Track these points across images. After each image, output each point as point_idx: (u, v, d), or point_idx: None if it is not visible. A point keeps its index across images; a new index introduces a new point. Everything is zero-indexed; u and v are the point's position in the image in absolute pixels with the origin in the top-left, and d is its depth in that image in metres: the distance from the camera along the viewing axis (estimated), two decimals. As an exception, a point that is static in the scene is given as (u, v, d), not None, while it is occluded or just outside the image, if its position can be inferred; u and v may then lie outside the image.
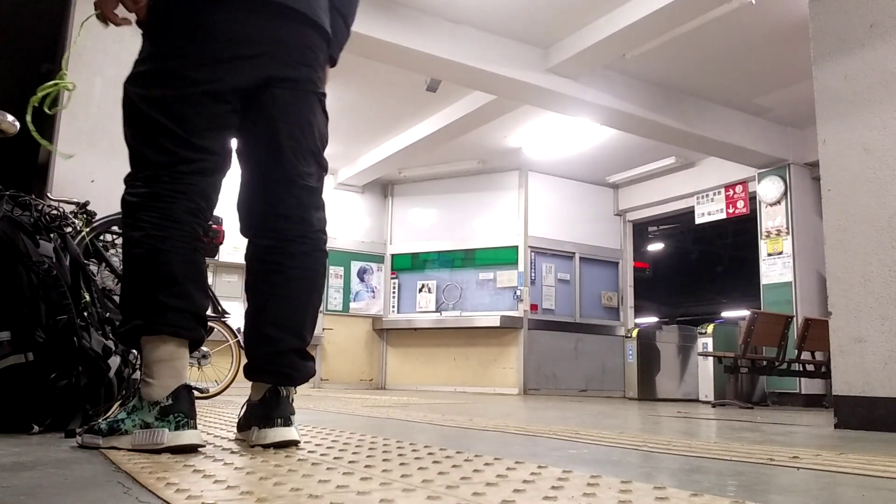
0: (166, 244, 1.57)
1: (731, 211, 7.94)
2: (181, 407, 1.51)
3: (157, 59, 1.64)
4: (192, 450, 1.49)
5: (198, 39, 1.63)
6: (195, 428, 1.54)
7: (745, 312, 6.89)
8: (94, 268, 3.39)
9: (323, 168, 1.82)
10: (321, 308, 1.80)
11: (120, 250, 3.60)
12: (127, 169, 1.66)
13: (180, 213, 1.60)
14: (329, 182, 8.52)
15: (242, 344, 4.43)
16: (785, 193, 7.22)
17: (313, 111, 1.78)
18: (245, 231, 1.80)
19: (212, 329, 4.26)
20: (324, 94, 1.83)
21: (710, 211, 8.19)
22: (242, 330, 1.80)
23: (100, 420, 1.62)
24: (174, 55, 1.63)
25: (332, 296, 8.82)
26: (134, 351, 2.32)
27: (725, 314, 16.31)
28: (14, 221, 2.04)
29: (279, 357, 1.69)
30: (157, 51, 1.65)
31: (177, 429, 1.49)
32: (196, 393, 1.61)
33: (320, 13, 1.77)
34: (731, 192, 7.93)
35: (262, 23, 1.67)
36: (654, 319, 17.35)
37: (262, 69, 1.68)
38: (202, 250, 1.66)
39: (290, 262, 1.72)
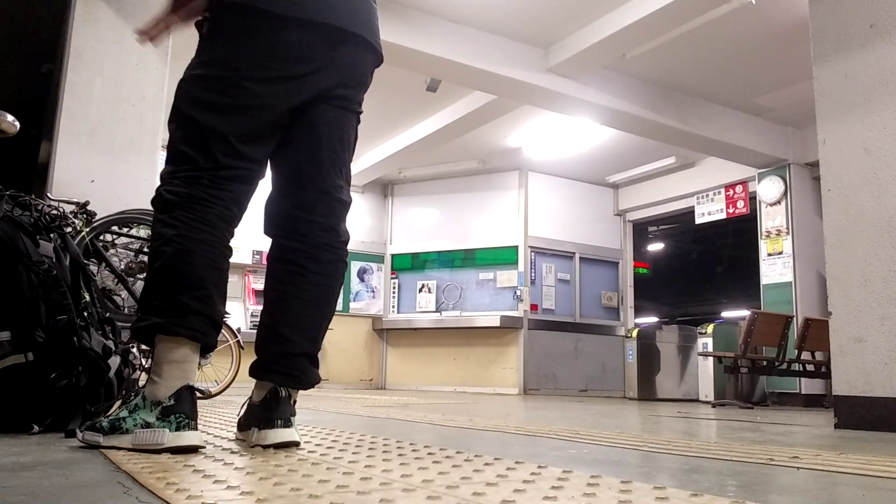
0: (197, 246, 1.58)
1: (731, 211, 7.94)
2: (183, 407, 1.51)
3: (221, 66, 1.65)
4: (192, 450, 1.49)
5: (266, 55, 1.64)
6: (196, 429, 1.54)
7: (745, 312, 6.89)
8: (94, 268, 3.39)
9: (349, 183, 1.86)
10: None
11: (120, 250, 3.60)
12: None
13: (215, 218, 1.61)
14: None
15: (242, 344, 4.45)
16: (785, 193, 7.22)
17: (352, 129, 1.84)
18: (271, 231, 1.81)
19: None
20: (361, 113, 1.88)
21: (710, 211, 8.19)
22: (256, 328, 1.79)
23: (101, 418, 1.62)
24: (240, 66, 1.64)
25: (332, 296, 8.80)
26: (134, 351, 2.32)
27: (725, 314, 16.30)
28: (14, 221, 2.04)
29: (290, 359, 1.69)
30: (221, 58, 1.66)
31: (178, 429, 1.49)
32: (196, 394, 1.61)
33: (377, 37, 1.83)
34: (731, 192, 7.93)
35: (326, 43, 1.70)
36: (654, 319, 17.33)
37: (317, 84, 1.71)
38: (228, 257, 1.67)
39: (315, 268, 1.74)
